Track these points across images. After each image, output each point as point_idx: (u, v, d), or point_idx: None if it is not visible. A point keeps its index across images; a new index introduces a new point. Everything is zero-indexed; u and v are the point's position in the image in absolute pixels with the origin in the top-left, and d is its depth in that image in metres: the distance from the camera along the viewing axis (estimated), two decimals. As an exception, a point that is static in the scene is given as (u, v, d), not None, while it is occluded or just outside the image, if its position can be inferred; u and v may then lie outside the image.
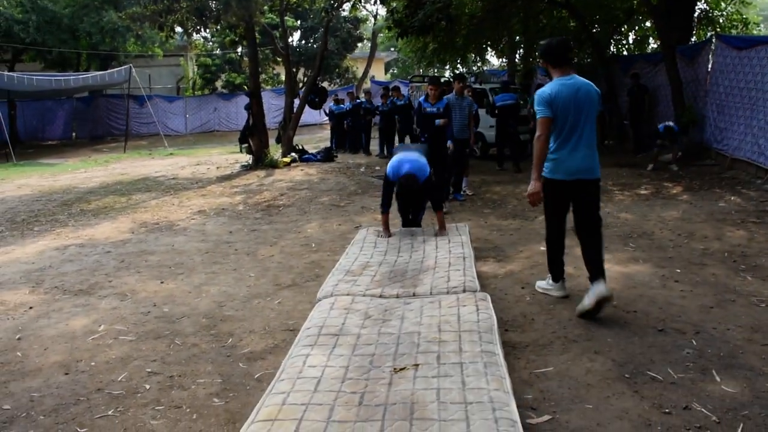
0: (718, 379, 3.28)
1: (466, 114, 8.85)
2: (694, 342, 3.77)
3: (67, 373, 3.56)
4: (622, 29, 16.98)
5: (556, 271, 4.68)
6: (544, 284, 4.81)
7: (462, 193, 9.14)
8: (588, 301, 4.12)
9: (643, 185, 9.63)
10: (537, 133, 4.28)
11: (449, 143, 8.20)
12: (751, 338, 3.81)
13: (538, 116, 4.32)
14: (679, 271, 5.22)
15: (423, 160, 6.00)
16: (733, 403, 3.04)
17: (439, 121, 8.09)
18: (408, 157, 5.98)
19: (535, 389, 3.22)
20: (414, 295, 4.14)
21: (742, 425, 2.83)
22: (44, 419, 3.03)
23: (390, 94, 14.91)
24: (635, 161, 11.92)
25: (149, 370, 3.58)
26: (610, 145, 14.43)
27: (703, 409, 2.97)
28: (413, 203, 6.47)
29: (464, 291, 4.11)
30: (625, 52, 17.71)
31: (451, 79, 10.22)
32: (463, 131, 8.79)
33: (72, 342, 4.03)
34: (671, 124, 11.01)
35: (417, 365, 2.96)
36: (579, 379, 3.33)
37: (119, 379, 3.47)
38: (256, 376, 3.45)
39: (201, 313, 4.54)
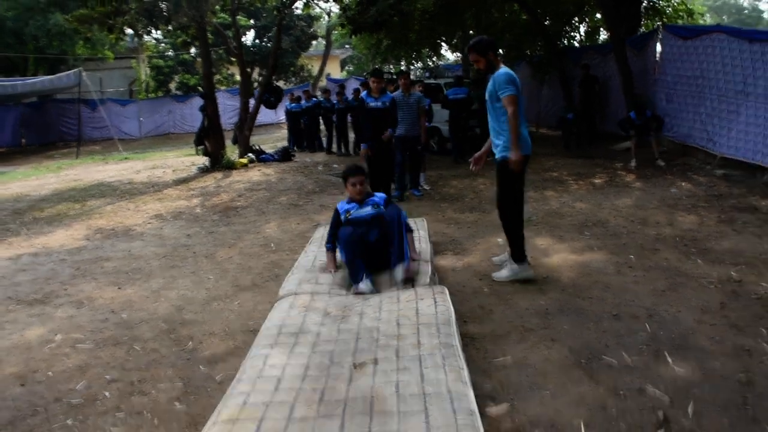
0: (670, 361, 3.40)
1: (415, 110, 8.64)
2: (647, 326, 3.89)
3: (23, 385, 3.49)
4: (573, 21, 17.26)
5: (523, 251, 4.89)
6: (507, 273, 4.90)
7: (419, 188, 9.11)
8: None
9: (597, 174, 9.84)
10: (511, 109, 4.56)
11: (389, 132, 7.94)
12: (701, 319, 3.96)
13: (507, 93, 4.59)
14: (632, 257, 5.37)
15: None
16: (684, 383, 3.15)
17: (389, 131, 7.91)
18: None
19: (493, 379, 3.29)
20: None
21: (692, 403, 2.94)
22: (-1, 433, 2.98)
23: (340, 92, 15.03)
24: (589, 152, 12.15)
25: (108, 377, 3.53)
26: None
27: (656, 391, 3.08)
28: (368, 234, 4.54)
29: (422, 285, 4.14)
30: (576, 44, 18.04)
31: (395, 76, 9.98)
32: (413, 128, 8.63)
33: (27, 353, 3.95)
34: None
35: (376, 360, 2.98)
36: (536, 367, 3.41)
37: (77, 387, 3.42)
38: (217, 379, 3.44)
39: (160, 317, 4.49)
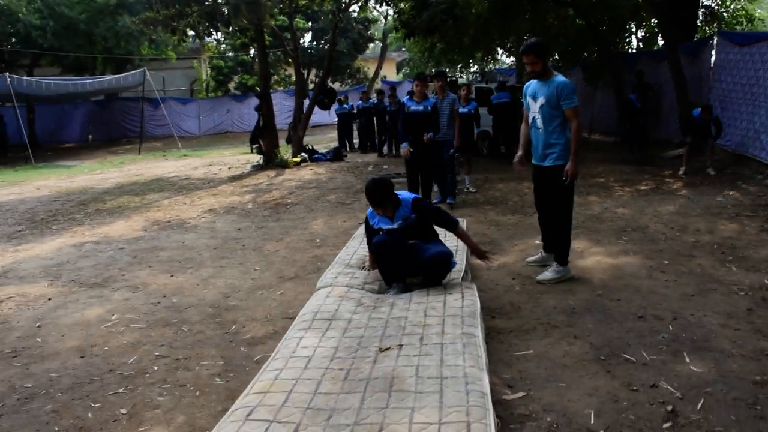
0: (687, 360, 3.50)
1: (448, 113, 8.27)
2: (670, 327, 3.98)
3: (82, 357, 3.85)
4: (628, 27, 17.08)
5: (568, 254, 5.10)
6: (551, 275, 5.01)
7: (460, 193, 8.90)
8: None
9: (643, 181, 9.80)
10: (577, 122, 4.80)
11: (429, 135, 7.58)
12: (726, 323, 4.02)
13: (573, 105, 4.78)
14: (666, 262, 5.42)
15: (407, 192, 4.69)
16: (698, 381, 3.25)
17: (429, 135, 7.57)
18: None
19: (513, 370, 3.45)
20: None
21: (703, 400, 3.04)
22: (62, 396, 3.33)
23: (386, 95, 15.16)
24: (637, 157, 12.05)
25: (157, 353, 3.86)
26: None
27: (669, 387, 3.19)
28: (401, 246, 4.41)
29: (453, 280, 4.33)
30: (631, 50, 17.85)
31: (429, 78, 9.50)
32: (446, 132, 8.26)
33: (87, 329, 4.33)
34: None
35: (401, 345, 3.20)
36: (556, 360, 3.56)
37: (129, 361, 3.76)
38: (255, 359, 3.72)
39: (207, 303, 4.82)
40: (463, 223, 6.34)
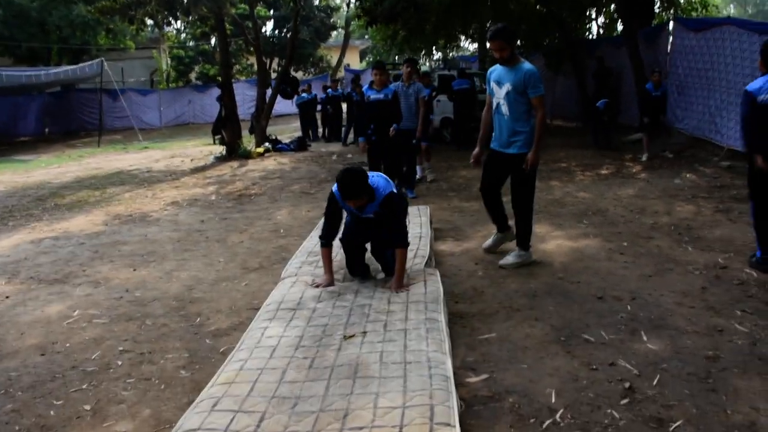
0: (645, 338, 3.60)
1: (413, 101, 8.12)
2: (629, 307, 4.09)
3: (43, 354, 3.79)
4: (588, 14, 17.31)
5: (529, 239, 5.18)
6: (514, 259, 5.06)
7: (417, 183, 8.75)
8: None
9: (604, 165, 9.98)
10: (542, 111, 4.81)
11: (394, 127, 7.56)
12: (681, 302, 4.15)
13: (539, 94, 4.77)
14: (625, 244, 5.56)
15: (384, 177, 4.29)
16: (654, 358, 3.36)
17: (394, 126, 7.52)
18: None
19: (476, 353, 3.51)
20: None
21: (659, 376, 3.14)
22: (22, 395, 3.27)
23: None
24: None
25: (121, 348, 3.82)
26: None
27: (627, 365, 3.29)
28: (367, 234, 4.35)
29: (416, 267, 4.38)
30: (594, 36, 18.10)
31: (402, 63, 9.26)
32: (409, 120, 8.04)
33: (48, 326, 4.25)
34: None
35: (365, 332, 3.23)
36: (518, 343, 3.63)
37: (93, 357, 3.71)
38: (221, 350, 3.71)
39: (171, 296, 4.78)
40: (426, 209, 6.40)
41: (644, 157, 10.27)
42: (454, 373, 2.95)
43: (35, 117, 25.22)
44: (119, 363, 3.61)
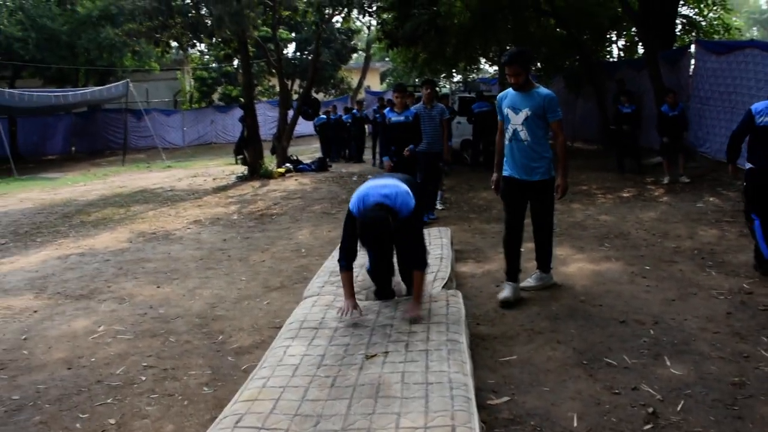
0: (668, 363, 3.57)
1: (438, 123, 7.98)
2: (651, 331, 4.06)
3: (69, 368, 3.86)
4: (608, 36, 17.35)
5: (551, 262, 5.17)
6: (535, 282, 5.06)
7: (435, 210, 8.54)
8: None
9: (625, 188, 9.93)
10: (563, 137, 4.77)
11: (410, 148, 7.47)
12: (705, 327, 4.10)
13: (558, 118, 4.70)
14: (648, 267, 5.52)
15: (404, 187, 3.94)
16: (678, 383, 3.33)
17: (410, 147, 7.45)
18: (382, 184, 3.97)
19: (498, 375, 3.51)
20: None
21: (683, 402, 3.11)
22: (49, 407, 3.34)
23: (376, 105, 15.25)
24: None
25: (145, 364, 3.88)
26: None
27: (650, 390, 3.26)
28: (384, 251, 4.20)
29: (438, 289, 4.39)
30: (613, 59, 18.11)
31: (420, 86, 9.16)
32: (436, 143, 7.98)
33: (74, 341, 4.33)
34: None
35: (386, 352, 3.25)
36: (540, 365, 3.62)
37: (117, 372, 3.77)
38: (243, 368, 3.75)
39: (194, 313, 4.84)
40: (447, 231, 6.41)
41: (666, 180, 10.13)
42: (476, 395, 2.95)
43: (63, 136, 25.77)
44: (143, 378, 3.67)
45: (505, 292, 4.77)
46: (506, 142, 4.83)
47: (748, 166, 5.23)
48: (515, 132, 4.73)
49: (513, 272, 4.87)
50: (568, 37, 15.24)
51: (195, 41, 14.99)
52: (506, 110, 4.78)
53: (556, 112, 4.66)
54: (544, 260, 5.06)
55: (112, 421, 3.16)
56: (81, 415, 3.24)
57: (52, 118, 25.09)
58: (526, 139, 4.69)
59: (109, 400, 3.39)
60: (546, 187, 4.78)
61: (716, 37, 15.03)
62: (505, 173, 4.89)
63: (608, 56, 18.29)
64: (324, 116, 17.10)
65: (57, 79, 23.92)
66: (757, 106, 5.01)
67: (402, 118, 7.55)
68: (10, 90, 19.70)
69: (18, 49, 21.16)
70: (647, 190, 9.68)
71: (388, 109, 8.01)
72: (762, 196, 5.08)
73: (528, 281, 5.08)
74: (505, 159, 4.89)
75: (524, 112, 4.67)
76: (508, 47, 18.41)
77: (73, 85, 24.26)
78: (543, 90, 4.73)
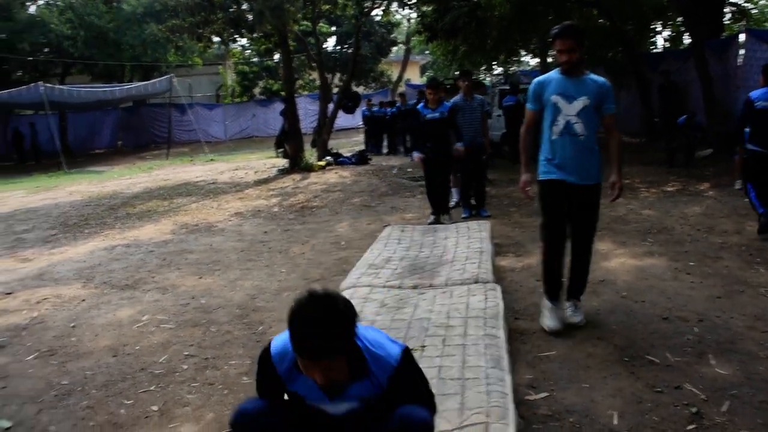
0: (713, 362, 3.48)
1: (478, 116, 7.77)
2: (695, 329, 3.96)
3: (115, 356, 3.98)
4: (653, 26, 16.94)
5: None
6: (581, 313, 4.18)
7: (486, 207, 8.15)
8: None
9: (670, 182, 9.71)
10: (618, 133, 4.09)
11: (459, 145, 7.25)
12: (753, 326, 3.99)
13: (613, 111, 3.99)
14: (692, 263, 5.38)
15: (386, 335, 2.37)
16: (723, 383, 3.24)
17: (458, 145, 7.20)
18: None
19: (537, 370, 3.48)
20: (430, 286, 4.43)
21: (728, 403, 3.03)
22: (96, 392, 3.46)
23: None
24: (664, 157, 11.80)
25: (187, 353, 3.96)
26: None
27: (693, 389, 3.19)
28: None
29: (476, 282, 4.37)
30: (659, 49, 17.69)
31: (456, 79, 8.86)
32: (477, 136, 7.77)
33: (119, 329, 4.46)
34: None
35: (423, 347, 3.25)
36: (580, 361, 3.57)
37: (160, 360, 3.86)
38: (282, 359, 3.80)
39: (235, 304, 4.92)
40: (486, 224, 6.36)
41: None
42: (514, 390, 2.93)
43: (109, 131, 26.49)
44: (185, 367, 3.75)
45: (551, 321, 4.02)
46: (552, 137, 3.98)
47: (752, 147, 6.21)
48: (568, 125, 3.90)
49: (556, 290, 4.14)
50: (611, 27, 14.92)
51: (236, 36, 15.22)
52: (554, 98, 3.93)
53: (612, 103, 3.96)
54: (582, 287, 4.23)
55: (155, 408, 3.25)
56: (125, 402, 3.33)
57: (100, 113, 25.81)
58: (582, 134, 3.89)
59: (152, 388, 3.48)
60: (598, 192, 4.05)
61: (767, 24, 14.55)
62: (549, 176, 4.02)
63: (652, 47, 17.84)
64: (375, 108, 17.20)
65: (104, 75, 24.55)
66: (754, 93, 6.09)
67: (437, 114, 7.25)
68: (60, 86, 20.29)
69: (67, 46, 21.80)
70: (692, 185, 9.44)
71: (421, 104, 7.71)
72: (761, 174, 6.10)
73: (572, 318, 4.11)
74: (545, 158, 4.06)
75: (581, 101, 3.87)
76: (549, 40, 18.19)
77: (119, 81, 24.85)
78: (597, 77, 3.99)
